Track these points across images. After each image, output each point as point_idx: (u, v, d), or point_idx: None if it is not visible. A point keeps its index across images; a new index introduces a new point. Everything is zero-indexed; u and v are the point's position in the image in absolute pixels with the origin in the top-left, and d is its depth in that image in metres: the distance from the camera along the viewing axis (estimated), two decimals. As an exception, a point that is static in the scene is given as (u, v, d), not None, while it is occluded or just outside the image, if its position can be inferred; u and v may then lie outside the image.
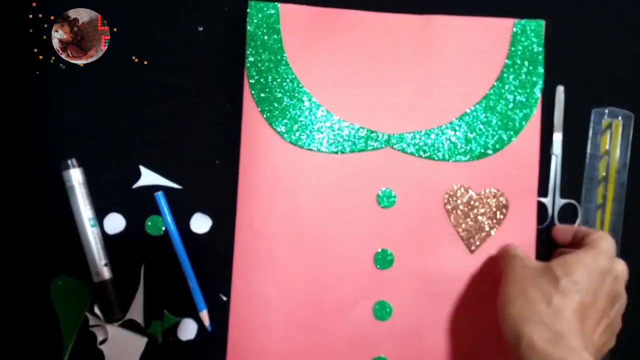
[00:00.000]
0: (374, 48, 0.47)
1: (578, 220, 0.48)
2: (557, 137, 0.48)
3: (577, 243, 0.44)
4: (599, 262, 0.40)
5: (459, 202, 0.47)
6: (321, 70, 0.47)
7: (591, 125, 0.48)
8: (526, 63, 0.47)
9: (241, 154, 0.47)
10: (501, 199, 0.47)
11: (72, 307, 0.47)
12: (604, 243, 0.41)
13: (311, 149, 0.47)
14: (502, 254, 0.45)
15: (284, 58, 0.47)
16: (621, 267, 0.41)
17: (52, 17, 0.45)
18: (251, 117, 0.47)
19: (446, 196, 0.47)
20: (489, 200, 0.47)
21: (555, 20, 0.48)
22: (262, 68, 0.47)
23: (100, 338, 0.47)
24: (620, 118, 0.48)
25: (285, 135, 0.46)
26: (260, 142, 0.46)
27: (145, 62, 0.48)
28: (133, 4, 0.48)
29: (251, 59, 0.47)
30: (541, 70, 0.47)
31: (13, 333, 0.47)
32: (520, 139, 0.47)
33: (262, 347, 0.46)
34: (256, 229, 0.46)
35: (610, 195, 0.48)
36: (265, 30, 0.47)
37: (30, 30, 0.47)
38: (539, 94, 0.47)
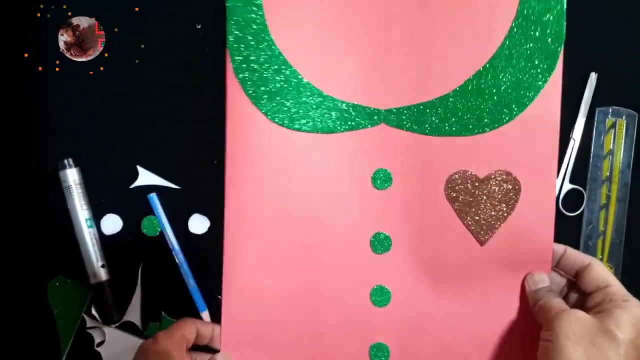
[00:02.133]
0: (364, 17, 0.43)
1: (582, 207, 0.48)
2: (580, 123, 0.47)
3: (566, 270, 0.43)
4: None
5: (462, 188, 0.44)
6: (308, 44, 0.44)
7: (595, 125, 0.48)
8: (536, 25, 0.42)
9: (227, 137, 0.45)
10: (510, 182, 0.44)
11: (69, 308, 0.47)
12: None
13: (300, 129, 0.44)
14: (529, 295, 0.44)
15: (268, 34, 0.44)
16: None
17: (69, 13, 0.46)
18: (235, 97, 0.44)
19: (449, 185, 0.44)
20: (495, 184, 0.44)
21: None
22: (244, 46, 0.44)
23: (97, 340, 0.47)
24: (624, 118, 0.48)
25: (271, 115, 0.44)
26: (246, 124, 0.44)
27: (144, 62, 0.48)
28: (132, 4, 0.48)
29: (232, 37, 0.44)
30: (560, 30, 0.42)
31: (10, 335, 0.47)
32: (533, 107, 0.43)
33: (257, 335, 0.45)
34: (246, 214, 0.45)
35: (614, 195, 0.48)
36: (246, 5, 0.44)
37: (31, 32, 0.47)
38: (559, 54, 0.43)
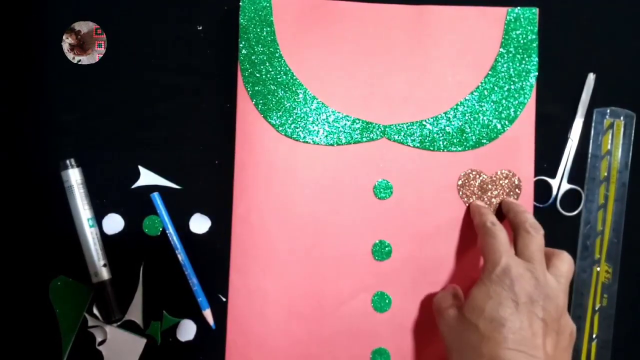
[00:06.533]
0: (368, 39, 0.47)
1: (580, 207, 0.48)
2: (578, 123, 0.48)
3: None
4: (495, 282, 0.38)
5: (472, 186, 0.47)
6: (315, 62, 0.47)
7: (593, 125, 0.48)
8: (520, 51, 0.47)
9: (236, 147, 0.46)
10: (514, 179, 0.47)
11: (71, 307, 0.47)
12: (491, 256, 0.40)
13: (306, 141, 0.47)
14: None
15: (278, 50, 0.47)
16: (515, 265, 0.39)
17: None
18: (245, 110, 0.47)
19: (459, 182, 0.46)
20: (501, 181, 0.47)
21: (556, 20, 0.48)
22: (256, 61, 0.46)
23: (99, 339, 0.47)
24: (622, 118, 0.48)
25: (280, 128, 0.46)
26: (254, 136, 0.46)
27: (144, 62, 0.48)
28: (132, 4, 0.48)
29: (244, 51, 0.46)
30: (535, 58, 0.47)
31: (12, 334, 0.47)
32: (515, 128, 0.47)
33: (261, 340, 0.46)
34: (253, 222, 0.46)
35: (612, 195, 0.48)
36: (258, 23, 0.47)
37: (34, 34, 0.47)
38: (533, 82, 0.47)
